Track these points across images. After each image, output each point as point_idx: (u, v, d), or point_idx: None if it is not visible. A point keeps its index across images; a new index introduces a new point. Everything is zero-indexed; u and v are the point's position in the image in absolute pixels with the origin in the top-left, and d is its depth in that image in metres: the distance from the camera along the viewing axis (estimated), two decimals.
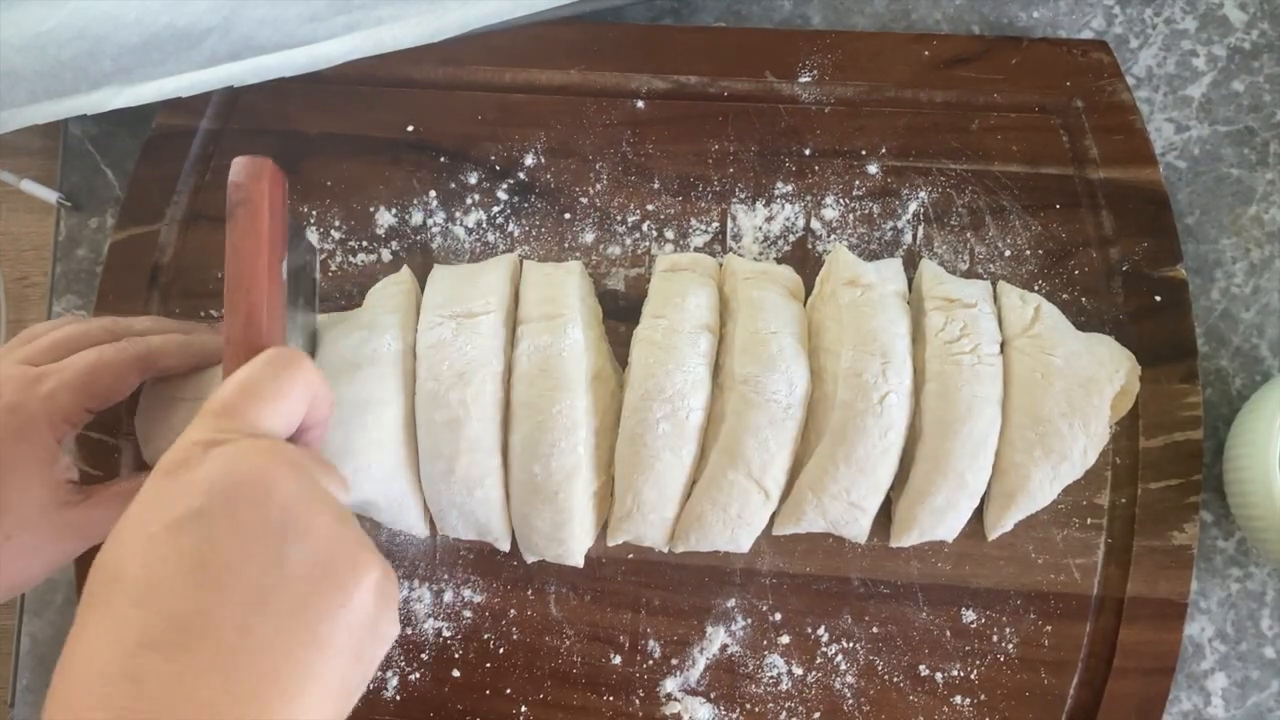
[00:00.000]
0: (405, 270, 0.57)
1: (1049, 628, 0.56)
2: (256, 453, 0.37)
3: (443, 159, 0.61)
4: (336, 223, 0.61)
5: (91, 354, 0.48)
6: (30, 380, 0.47)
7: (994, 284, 0.57)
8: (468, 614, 0.58)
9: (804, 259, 0.59)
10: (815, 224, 0.60)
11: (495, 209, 0.61)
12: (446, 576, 0.58)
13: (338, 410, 0.51)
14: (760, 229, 0.60)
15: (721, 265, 0.58)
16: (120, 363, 0.48)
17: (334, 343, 0.53)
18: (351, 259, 0.60)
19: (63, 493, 0.47)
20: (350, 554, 0.37)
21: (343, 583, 0.36)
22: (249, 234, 0.43)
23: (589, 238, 0.60)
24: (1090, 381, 0.53)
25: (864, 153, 0.60)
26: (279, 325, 0.44)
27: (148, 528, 0.35)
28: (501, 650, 0.57)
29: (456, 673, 0.57)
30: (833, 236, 0.59)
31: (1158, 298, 0.58)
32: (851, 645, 0.57)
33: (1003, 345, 0.54)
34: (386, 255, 0.60)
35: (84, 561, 0.58)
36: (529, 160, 0.61)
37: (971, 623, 0.56)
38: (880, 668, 0.56)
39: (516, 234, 0.60)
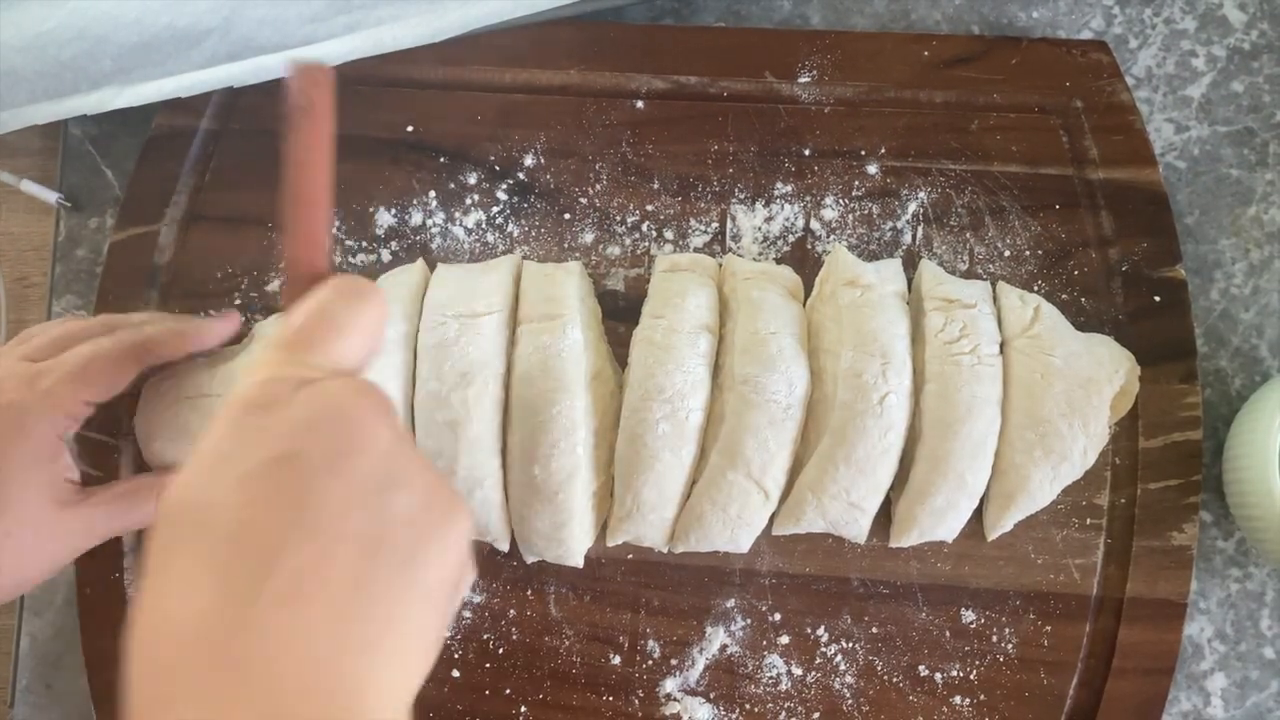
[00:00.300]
0: (419, 262, 0.58)
1: (1048, 628, 0.56)
2: (351, 392, 0.35)
3: (442, 159, 0.61)
4: (336, 222, 0.61)
5: (88, 346, 0.48)
6: (30, 376, 0.47)
7: (993, 284, 0.57)
8: (467, 614, 0.58)
9: (803, 259, 0.59)
10: (815, 224, 0.60)
11: (495, 209, 0.61)
12: None
13: None
14: (760, 229, 0.60)
15: (721, 265, 0.58)
16: (117, 352, 0.48)
17: None
18: (351, 259, 0.60)
19: (63, 492, 0.47)
20: (447, 501, 0.36)
21: (444, 530, 0.35)
22: (313, 146, 0.40)
23: (588, 238, 0.60)
24: (1090, 382, 0.53)
25: (863, 153, 0.60)
26: (332, 249, 0.42)
27: (241, 465, 0.32)
28: (501, 650, 0.58)
29: (456, 673, 0.57)
30: (832, 237, 0.59)
31: (1157, 298, 0.58)
32: (851, 645, 0.57)
33: (1002, 346, 0.54)
34: (386, 255, 0.60)
35: (84, 562, 0.58)
36: (529, 160, 0.61)
37: (971, 623, 0.56)
38: (880, 668, 0.56)
39: (516, 234, 0.60)
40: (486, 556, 0.58)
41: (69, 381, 0.46)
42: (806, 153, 0.60)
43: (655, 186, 0.60)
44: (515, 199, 0.61)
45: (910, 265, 0.59)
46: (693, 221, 0.60)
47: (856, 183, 0.60)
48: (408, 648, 0.33)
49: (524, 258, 0.60)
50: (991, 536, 0.56)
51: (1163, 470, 0.56)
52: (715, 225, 0.60)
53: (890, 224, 0.59)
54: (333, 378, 0.36)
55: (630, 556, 0.58)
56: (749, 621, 0.57)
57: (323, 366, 0.36)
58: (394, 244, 0.61)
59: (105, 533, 0.50)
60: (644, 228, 0.60)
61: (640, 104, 0.61)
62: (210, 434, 0.34)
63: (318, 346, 0.37)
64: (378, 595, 0.32)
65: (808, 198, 0.60)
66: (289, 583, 0.31)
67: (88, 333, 0.50)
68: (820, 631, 0.57)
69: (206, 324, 0.54)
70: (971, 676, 0.56)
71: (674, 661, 0.57)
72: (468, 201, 0.61)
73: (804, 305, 0.57)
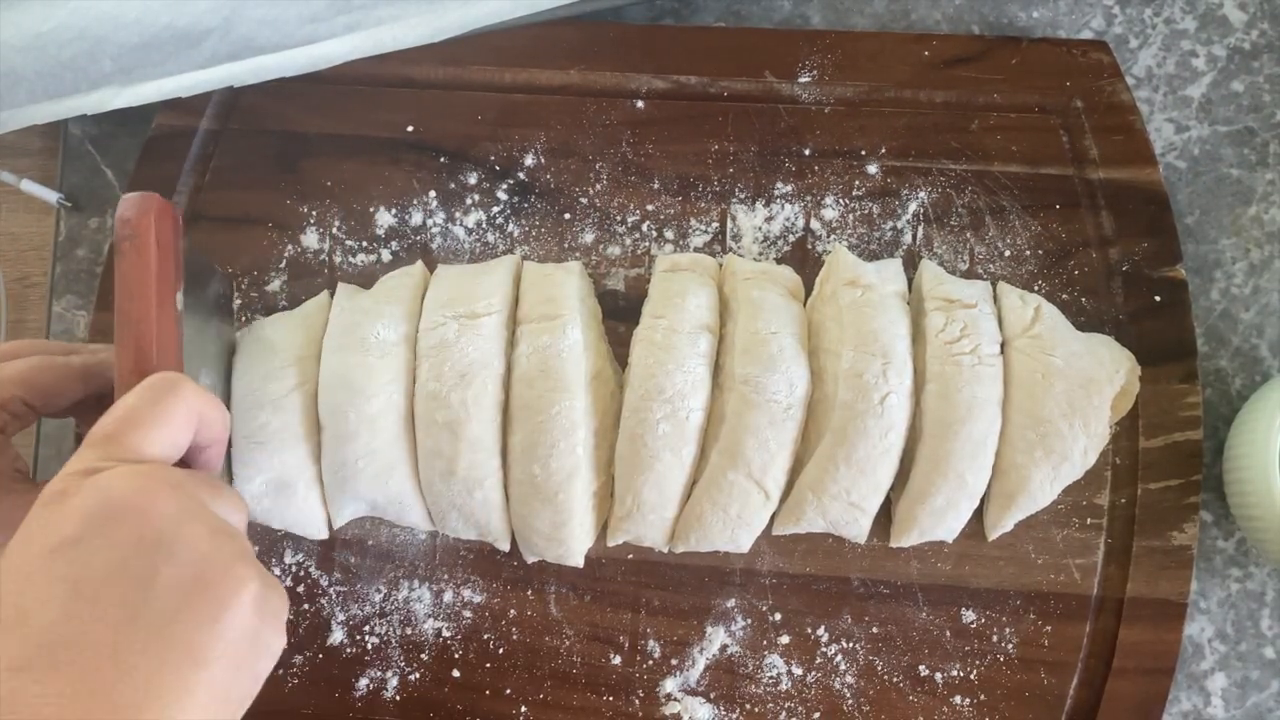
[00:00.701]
0: (419, 263, 0.58)
1: (1049, 628, 0.56)
2: (133, 476, 0.37)
3: (442, 159, 0.61)
4: (336, 223, 0.61)
5: (38, 356, 0.49)
6: None
7: (994, 284, 0.57)
8: (467, 614, 0.58)
9: (804, 259, 0.59)
10: (815, 224, 0.60)
11: (495, 209, 0.61)
12: (446, 576, 0.58)
13: (330, 393, 0.52)
14: (760, 229, 0.60)
15: (721, 265, 0.58)
16: (64, 366, 0.49)
17: (337, 317, 0.54)
18: (351, 259, 0.60)
19: (7, 480, 0.48)
20: (224, 567, 0.37)
21: (216, 596, 0.36)
22: (136, 267, 0.44)
23: (589, 238, 0.60)
24: (1090, 382, 0.53)
25: (864, 153, 0.60)
26: (172, 356, 0.45)
27: (25, 556, 0.35)
28: (501, 650, 0.58)
29: (456, 673, 0.57)
30: (832, 237, 0.59)
31: (1157, 298, 0.58)
32: (851, 645, 0.57)
33: (1003, 346, 0.54)
34: (386, 255, 0.60)
35: None
36: (529, 160, 0.61)
37: (971, 623, 0.56)
38: (880, 668, 0.56)
39: (516, 234, 0.60)
40: (487, 556, 0.58)
41: (14, 382, 0.48)
42: (807, 152, 0.60)
43: (655, 186, 0.60)
44: (515, 199, 0.61)
45: (910, 265, 0.59)
46: (693, 221, 0.60)
47: (857, 182, 0.60)
48: (182, 708, 0.34)
49: (524, 257, 0.60)
50: (992, 536, 0.56)
51: (1163, 470, 0.56)
52: (715, 225, 0.60)
53: (890, 224, 0.59)
54: (123, 465, 0.38)
55: (630, 556, 0.58)
56: (749, 621, 0.57)
57: (120, 456, 0.38)
58: (394, 244, 0.61)
59: None
60: (644, 227, 0.60)
61: (640, 104, 0.61)
62: (18, 530, 0.37)
63: (119, 440, 0.39)
64: (137, 661, 0.34)
65: (808, 197, 0.60)
66: (47, 654, 0.33)
67: (39, 346, 0.51)
68: (820, 631, 0.57)
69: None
70: (972, 676, 0.56)
71: (674, 661, 0.57)
72: (468, 201, 0.61)
73: (804, 305, 0.57)
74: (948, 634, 0.56)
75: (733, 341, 0.53)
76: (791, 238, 0.60)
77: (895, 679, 0.56)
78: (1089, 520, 0.56)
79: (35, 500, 0.38)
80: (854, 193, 0.60)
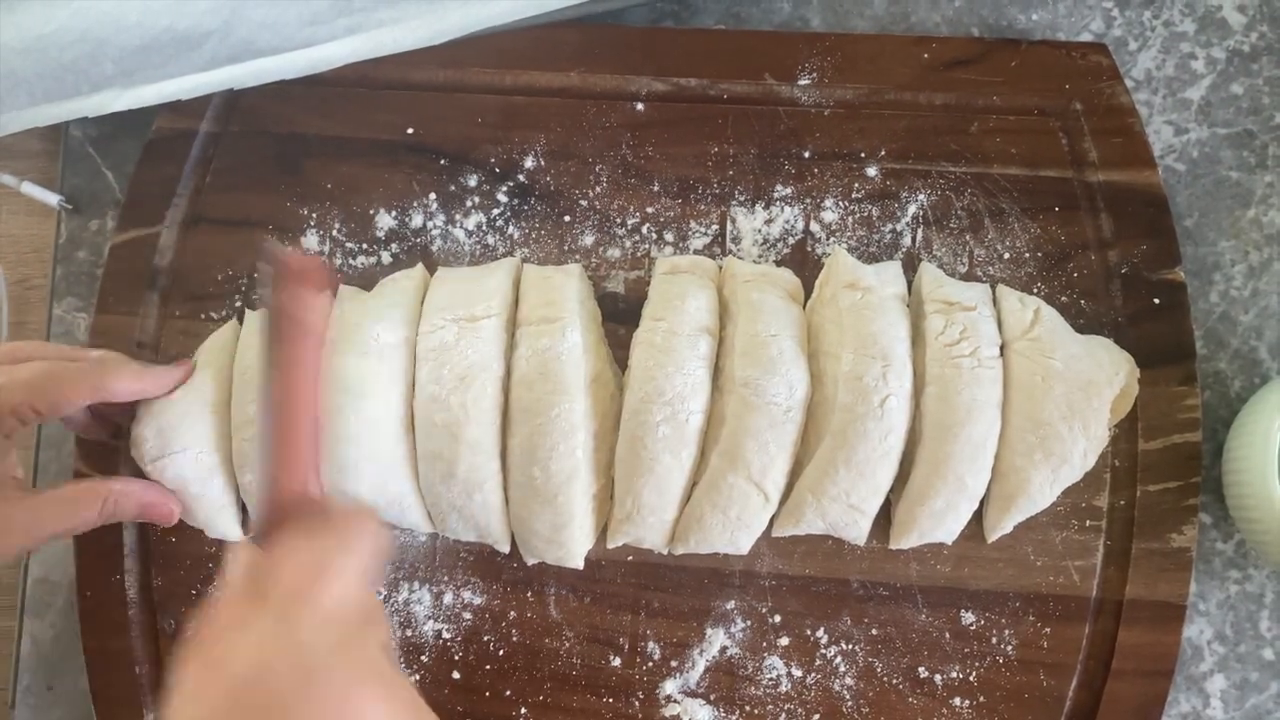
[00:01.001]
0: (419, 267, 0.58)
1: (1048, 630, 0.56)
2: (334, 655, 0.36)
3: (443, 161, 0.61)
4: (336, 225, 0.61)
5: (46, 363, 0.49)
6: None
7: (993, 287, 0.57)
8: (467, 616, 0.58)
9: (803, 261, 0.59)
10: (815, 226, 0.60)
11: (495, 211, 0.61)
12: (446, 578, 0.58)
13: (330, 395, 0.52)
14: (760, 231, 0.60)
15: (721, 268, 0.58)
16: (72, 374, 0.49)
17: (338, 320, 0.54)
18: (351, 261, 0.61)
19: (6, 488, 0.49)
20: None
21: None
22: (301, 356, 0.39)
23: (589, 240, 0.60)
24: (1090, 385, 0.53)
25: (863, 155, 0.60)
26: (318, 469, 0.41)
27: (209, 685, 0.35)
28: (501, 652, 0.58)
29: (456, 674, 0.58)
30: (832, 239, 0.59)
31: (1156, 300, 0.58)
32: (851, 647, 0.57)
33: (1002, 348, 0.54)
34: (386, 258, 0.61)
35: (84, 564, 0.59)
36: (529, 163, 0.61)
37: (970, 625, 0.56)
38: (879, 670, 0.56)
39: (516, 236, 0.60)
40: (487, 558, 0.58)
41: (21, 386, 0.48)
42: (806, 155, 0.60)
43: (655, 189, 0.60)
44: (516, 201, 0.61)
45: (910, 268, 0.59)
46: (693, 223, 0.60)
47: (856, 185, 0.60)
48: None
49: (524, 260, 0.60)
50: (991, 538, 0.56)
51: (1162, 472, 0.56)
52: (715, 227, 0.60)
53: (890, 226, 0.59)
54: (318, 633, 0.36)
55: (630, 558, 0.58)
56: (749, 623, 0.57)
57: (311, 626, 0.36)
58: (394, 246, 0.61)
59: (52, 532, 0.51)
60: (644, 230, 0.60)
61: (640, 106, 0.61)
62: (200, 693, 0.35)
63: (307, 602, 0.36)
64: None
65: (807, 200, 0.60)
66: None
67: (44, 351, 0.51)
68: (820, 633, 0.57)
69: (162, 370, 0.54)
70: (971, 678, 0.56)
71: (674, 663, 0.57)
72: (468, 204, 0.61)
73: (804, 308, 0.57)
74: (947, 636, 0.56)
75: (732, 344, 0.54)
76: (791, 240, 0.60)
77: (895, 681, 0.56)
78: (1088, 522, 0.56)
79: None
80: (853, 195, 0.60)
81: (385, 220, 0.61)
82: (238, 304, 0.60)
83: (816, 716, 0.56)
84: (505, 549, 0.56)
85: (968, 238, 0.59)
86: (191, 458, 0.54)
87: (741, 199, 0.60)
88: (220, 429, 0.55)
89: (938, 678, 0.56)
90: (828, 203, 0.60)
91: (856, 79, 0.60)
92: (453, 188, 0.61)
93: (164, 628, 0.58)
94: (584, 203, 0.60)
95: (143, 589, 0.59)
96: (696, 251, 0.60)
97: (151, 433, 0.54)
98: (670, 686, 0.57)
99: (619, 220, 0.60)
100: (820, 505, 0.53)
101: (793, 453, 0.53)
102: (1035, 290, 0.58)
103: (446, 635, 0.58)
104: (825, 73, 0.60)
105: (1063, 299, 0.58)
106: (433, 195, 0.61)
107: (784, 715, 0.56)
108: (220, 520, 0.56)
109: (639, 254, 0.60)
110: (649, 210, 0.60)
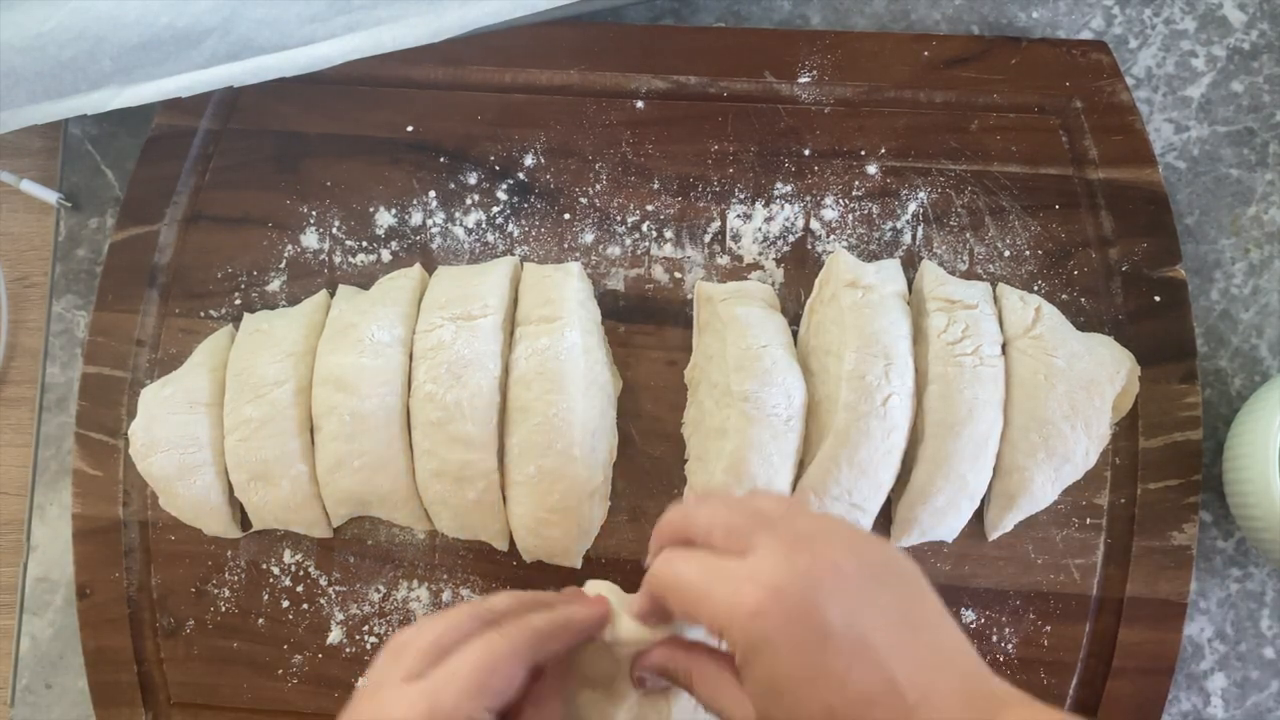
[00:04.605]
0: (417, 266, 0.58)
1: (1048, 628, 0.56)
2: None
3: (442, 159, 0.61)
4: (336, 223, 0.61)
5: (477, 648, 0.41)
6: (427, 701, 0.39)
7: (993, 285, 0.57)
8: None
9: (803, 259, 0.59)
10: (815, 224, 0.60)
11: (495, 209, 0.61)
12: (445, 576, 0.58)
13: (325, 393, 0.53)
14: (759, 229, 0.60)
15: (692, 296, 0.58)
16: (511, 653, 0.41)
17: (335, 318, 0.55)
18: (351, 259, 0.60)
19: None
20: None
21: None
22: None
23: (588, 238, 0.60)
24: (1092, 383, 0.53)
25: (863, 153, 0.60)
26: None
27: None
28: None
29: None
30: (832, 237, 0.59)
31: (1157, 298, 0.58)
32: None
33: (1003, 346, 0.54)
34: (386, 256, 0.60)
35: (84, 562, 0.58)
36: (529, 161, 0.61)
37: (971, 623, 0.56)
38: None
39: (516, 234, 0.60)
40: (485, 556, 0.58)
41: (471, 696, 0.39)
42: (806, 153, 0.60)
43: (655, 186, 0.60)
44: (515, 199, 0.61)
45: (910, 265, 0.58)
46: (693, 221, 0.60)
47: (856, 183, 0.60)
48: None
49: (524, 258, 0.60)
50: (992, 537, 0.56)
51: (1163, 470, 0.56)
52: (715, 225, 0.60)
53: (890, 224, 0.59)
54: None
55: (629, 558, 0.58)
56: None
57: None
58: (394, 244, 0.61)
59: None
60: (644, 228, 0.60)
61: (640, 104, 0.61)
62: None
63: None
64: None
65: (808, 198, 0.60)
66: None
67: (461, 631, 0.42)
68: None
69: (585, 612, 0.45)
70: None
71: None
72: (468, 201, 0.61)
73: (789, 311, 0.56)
74: None
75: (725, 359, 0.53)
76: (791, 238, 0.60)
77: None
78: (1088, 520, 0.56)
79: None
80: (853, 193, 0.60)
81: (385, 218, 0.61)
82: (237, 302, 0.60)
83: None
84: (504, 547, 0.56)
85: (968, 235, 0.59)
86: (180, 455, 0.54)
87: (741, 197, 0.60)
88: (213, 428, 0.55)
89: None
90: (828, 200, 0.60)
91: (857, 77, 0.60)
92: (452, 185, 0.61)
93: (163, 626, 0.58)
94: (584, 200, 0.60)
95: (142, 588, 0.59)
96: (696, 249, 0.60)
97: (141, 428, 0.55)
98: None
99: (619, 218, 0.60)
100: (822, 504, 0.53)
101: (796, 461, 0.53)
102: (1036, 288, 0.58)
103: None
104: (825, 70, 0.60)
105: (1063, 297, 0.58)
106: (432, 193, 0.61)
107: None
108: (213, 519, 0.56)
109: (639, 252, 0.60)
110: (649, 208, 0.60)
